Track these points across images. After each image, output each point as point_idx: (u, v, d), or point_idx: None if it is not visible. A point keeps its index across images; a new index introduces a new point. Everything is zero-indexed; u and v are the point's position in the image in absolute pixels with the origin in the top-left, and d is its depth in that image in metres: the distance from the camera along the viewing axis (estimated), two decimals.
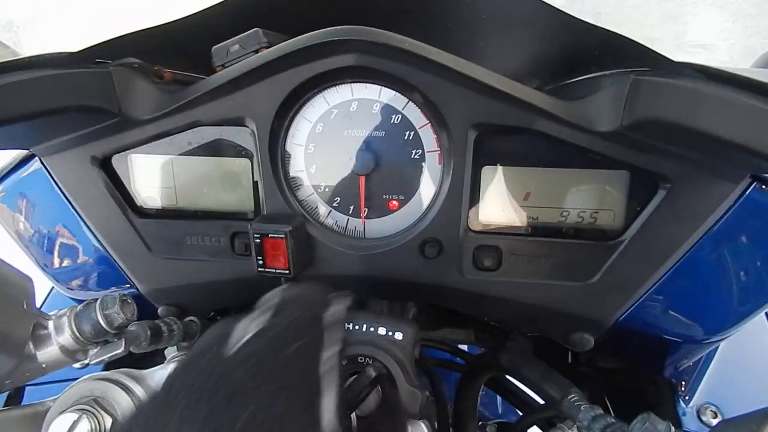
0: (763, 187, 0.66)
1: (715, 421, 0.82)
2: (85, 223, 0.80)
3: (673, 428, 0.49)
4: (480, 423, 0.89)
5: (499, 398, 1.33)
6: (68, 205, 0.79)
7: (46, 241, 0.86)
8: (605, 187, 0.69)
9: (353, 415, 0.60)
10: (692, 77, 0.54)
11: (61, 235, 0.84)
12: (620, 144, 0.64)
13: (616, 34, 0.62)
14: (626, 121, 0.61)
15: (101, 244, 0.80)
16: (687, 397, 0.85)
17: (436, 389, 0.87)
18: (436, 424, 0.77)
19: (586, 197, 0.69)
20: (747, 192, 0.66)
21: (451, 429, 0.86)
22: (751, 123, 0.49)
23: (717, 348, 0.91)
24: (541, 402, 0.77)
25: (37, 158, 0.78)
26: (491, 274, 0.72)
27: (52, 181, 0.78)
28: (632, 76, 0.60)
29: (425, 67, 0.63)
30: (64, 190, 0.78)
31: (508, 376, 0.89)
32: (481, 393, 0.89)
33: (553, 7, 0.68)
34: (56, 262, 0.86)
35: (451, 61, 0.62)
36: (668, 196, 0.66)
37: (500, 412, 1.38)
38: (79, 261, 0.85)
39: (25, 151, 0.79)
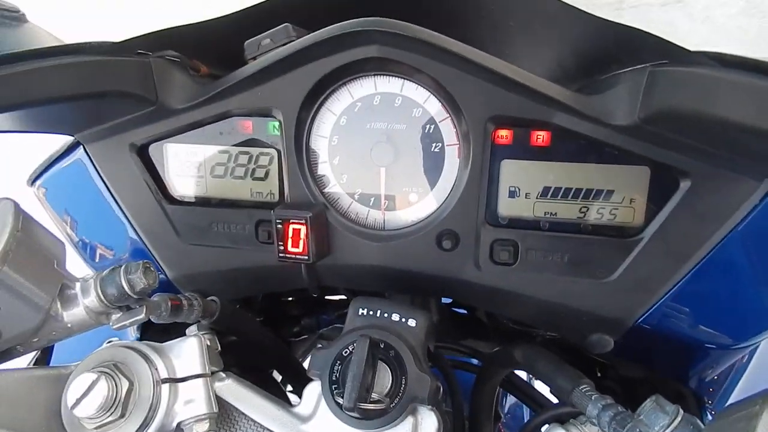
0: None
1: None
2: (120, 208, 0.84)
3: (681, 410, 0.48)
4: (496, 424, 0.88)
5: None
6: (106, 191, 0.84)
7: (83, 227, 0.91)
8: (625, 183, 0.68)
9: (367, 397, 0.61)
10: (708, 65, 0.54)
11: (98, 221, 0.89)
12: (639, 138, 0.64)
13: (633, 28, 0.63)
14: (643, 114, 0.61)
15: (134, 229, 0.84)
16: (714, 411, 0.82)
17: (453, 389, 0.87)
18: (450, 423, 0.77)
19: (606, 193, 0.69)
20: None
21: (467, 428, 0.85)
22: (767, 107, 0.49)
23: (750, 358, 0.88)
24: (555, 402, 0.75)
25: (78, 148, 0.84)
26: (508, 268, 0.72)
27: (92, 168, 0.83)
28: (649, 68, 0.60)
29: (444, 59, 0.66)
30: (103, 177, 0.83)
31: (524, 378, 0.88)
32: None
33: (574, 7, 0.69)
34: (91, 246, 0.91)
35: (468, 52, 0.64)
36: (689, 193, 0.65)
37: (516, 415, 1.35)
38: (111, 246, 0.90)
39: (69, 142, 0.85)
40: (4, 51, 0.62)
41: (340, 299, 1.19)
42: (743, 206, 0.65)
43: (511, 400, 1.59)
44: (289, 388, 1.06)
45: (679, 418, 0.47)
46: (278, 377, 1.05)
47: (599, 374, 0.96)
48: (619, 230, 0.69)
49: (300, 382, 0.69)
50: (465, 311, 1.17)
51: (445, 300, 1.17)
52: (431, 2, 0.80)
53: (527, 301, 0.73)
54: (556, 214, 0.71)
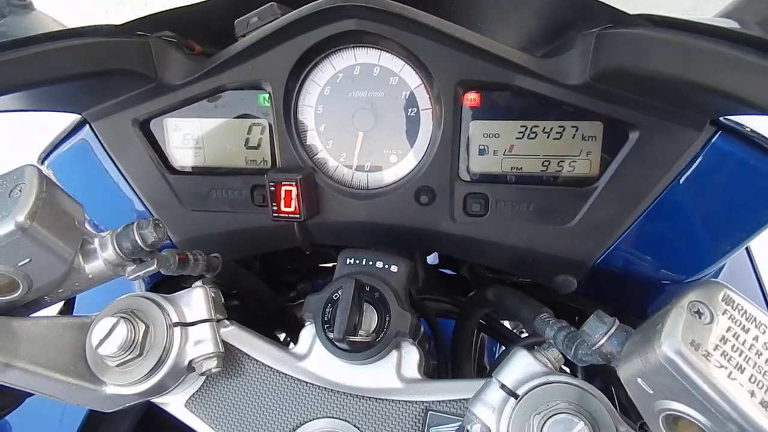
0: (727, 135, 0.72)
1: None
2: (126, 181, 0.91)
3: (617, 322, 0.56)
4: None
5: None
6: (113, 166, 0.91)
7: (92, 202, 0.98)
8: (581, 137, 0.76)
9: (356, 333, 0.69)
10: (643, 26, 0.61)
11: (105, 196, 0.96)
12: (590, 95, 0.72)
13: None
14: (593, 73, 0.69)
15: (140, 200, 0.92)
16: None
17: (436, 334, 0.95)
18: (433, 363, 0.85)
19: (564, 147, 0.77)
20: (712, 140, 0.72)
21: (449, 368, 0.93)
22: (693, 60, 0.56)
23: None
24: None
25: (84, 127, 0.91)
26: (480, 219, 0.80)
27: (99, 144, 0.90)
28: (596, 32, 0.68)
29: (415, 29, 0.73)
30: (109, 152, 0.90)
31: (500, 321, 0.97)
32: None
33: None
34: (102, 219, 0.98)
35: (437, 23, 0.71)
36: (637, 144, 0.73)
37: None
38: (120, 220, 0.97)
39: (75, 121, 0.92)
40: (16, 36, 0.68)
41: (333, 265, 1.27)
42: (686, 153, 0.72)
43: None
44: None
45: (615, 327, 0.55)
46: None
47: (577, 320, 1.05)
48: (577, 180, 0.77)
49: (297, 333, 0.77)
50: (451, 272, 1.26)
51: (432, 262, 1.26)
52: None
53: (498, 248, 0.81)
54: (521, 168, 0.79)
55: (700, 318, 0.44)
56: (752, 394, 0.40)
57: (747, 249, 1.22)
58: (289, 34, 0.76)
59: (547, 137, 0.77)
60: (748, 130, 0.73)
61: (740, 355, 0.42)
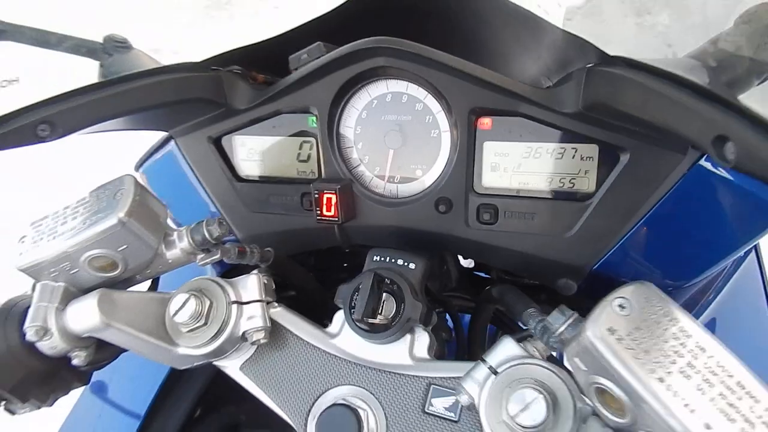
0: (711, 159, 0.81)
1: None
2: (203, 187, 1.11)
3: (576, 314, 0.67)
4: None
5: None
6: (192, 174, 1.11)
7: (176, 205, 1.19)
8: (580, 157, 0.86)
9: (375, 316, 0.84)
10: (618, 66, 0.72)
11: (186, 199, 1.16)
12: (585, 122, 0.82)
13: (579, 36, 0.81)
14: (582, 103, 0.80)
15: (213, 203, 1.11)
16: None
17: (456, 326, 1.08)
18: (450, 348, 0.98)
19: (565, 166, 0.87)
20: (697, 162, 0.81)
21: (466, 357, 1.06)
22: (649, 100, 0.66)
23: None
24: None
25: (171, 142, 1.11)
26: (490, 227, 0.92)
27: (181, 156, 1.11)
28: (587, 68, 0.79)
29: (433, 65, 0.86)
30: (189, 162, 1.10)
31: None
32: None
33: (543, 19, 0.88)
34: (183, 217, 1.19)
35: (451, 60, 0.85)
36: (628, 165, 0.82)
37: None
38: (198, 217, 1.17)
39: (164, 137, 1.13)
40: (119, 73, 0.89)
41: None
42: (673, 173, 0.81)
43: None
44: None
45: (572, 318, 0.66)
46: None
47: None
48: (576, 195, 0.88)
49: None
50: (485, 275, 1.38)
51: (467, 265, 1.38)
52: (435, 25, 1.01)
53: (507, 253, 0.93)
54: (527, 183, 0.90)
55: (621, 310, 0.55)
56: (653, 371, 0.51)
57: (757, 252, 1.26)
58: (332, 69, 0.92)
59: (550, 157, 0.88)
60: None
61: (649, 341, 0.53)
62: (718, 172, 0.81)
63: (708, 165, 0.81)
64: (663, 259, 0.87)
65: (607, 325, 0.54)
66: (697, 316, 1.03)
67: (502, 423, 0.67)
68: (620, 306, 0.55)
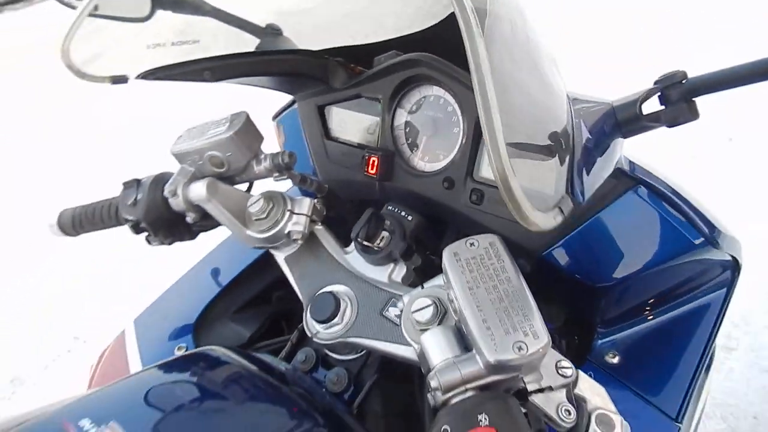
0: (643, 189, 1.03)
1: (616, 360, 1.15)
2: (306, 141, 1.56)
3: None
4: None
5: None
6: (302, 130, 1.56)
7: (292, 146, 1.66)
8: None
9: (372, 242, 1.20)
10: None
11: (298, 144, 1.62)
12: None
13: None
14: None
15: (309, 153, 1.55)
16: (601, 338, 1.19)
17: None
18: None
19: None
20: (632, 189, 1.04)
21: None
22: None
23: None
24: None
25: (295, 104, 1.58)
26: (477, 206, 1.21)
27: (298, 115, 1.56)
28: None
29: (456, 80, 1.19)
30: (301, 120, 1.55)
31: None
32: None
33: None
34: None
35: (466, 78, 1.16)
36: None
37: None
38: (300, 159, 1.63)
39: (291, 99, 1.60)
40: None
41: None
42: (610, 194, 1.05)
43: None
44: None
45: None
46: None
47: None
48: None
49: None
50: None
51: None
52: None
53: (485, 229, 1.20)
54: None
55: (470, 246, 0.85)
56: (468, 282, 0.81)
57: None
58: (392, 71, 1.29)
59: None
60: (665, 186, 1.03)
61: (476, 267, 0.83)
62: (644, 198, 1.03)
63: (639, 193, 1.03)
64: (596, 259, 1.10)
65: (455, 251, 0.84)
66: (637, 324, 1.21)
67: (408, 320, 1.00)
68: (470, 243, 0.85)
